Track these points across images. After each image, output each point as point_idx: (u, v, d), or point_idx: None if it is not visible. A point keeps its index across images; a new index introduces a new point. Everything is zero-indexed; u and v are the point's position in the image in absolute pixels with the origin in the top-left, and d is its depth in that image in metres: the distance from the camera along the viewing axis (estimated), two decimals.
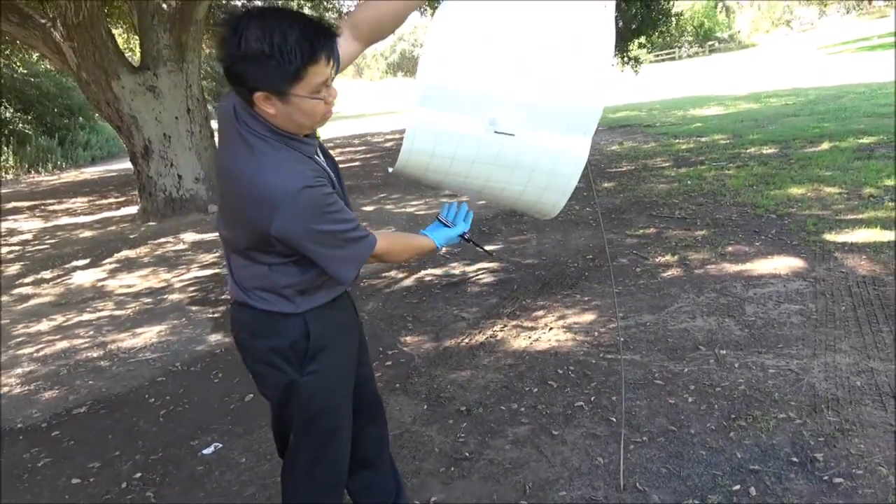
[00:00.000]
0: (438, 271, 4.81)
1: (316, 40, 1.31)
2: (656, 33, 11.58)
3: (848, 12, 47.13)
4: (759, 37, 48.93)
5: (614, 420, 2.58)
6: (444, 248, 1.79)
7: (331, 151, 1.70)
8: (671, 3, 11.37)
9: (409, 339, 3.67)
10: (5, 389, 3.60)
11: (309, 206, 1.38)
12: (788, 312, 3.38)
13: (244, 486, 2.45)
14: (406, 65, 76.94)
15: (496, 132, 1.51)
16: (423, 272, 4.82)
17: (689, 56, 45.22)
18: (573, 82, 1.55)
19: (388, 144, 15.30)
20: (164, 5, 7.81)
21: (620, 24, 11.01)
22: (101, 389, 3.47)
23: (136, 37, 9.34)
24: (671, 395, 2.73)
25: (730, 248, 4.48)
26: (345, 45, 1.55)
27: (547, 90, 1.54)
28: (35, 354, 4.09)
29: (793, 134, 8.83)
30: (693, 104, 15.15)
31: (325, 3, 13.78)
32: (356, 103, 39.90)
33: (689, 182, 6.73)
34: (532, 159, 1.59)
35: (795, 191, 5.76)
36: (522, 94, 1.53)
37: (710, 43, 47.09)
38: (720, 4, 51.00)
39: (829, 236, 4.45)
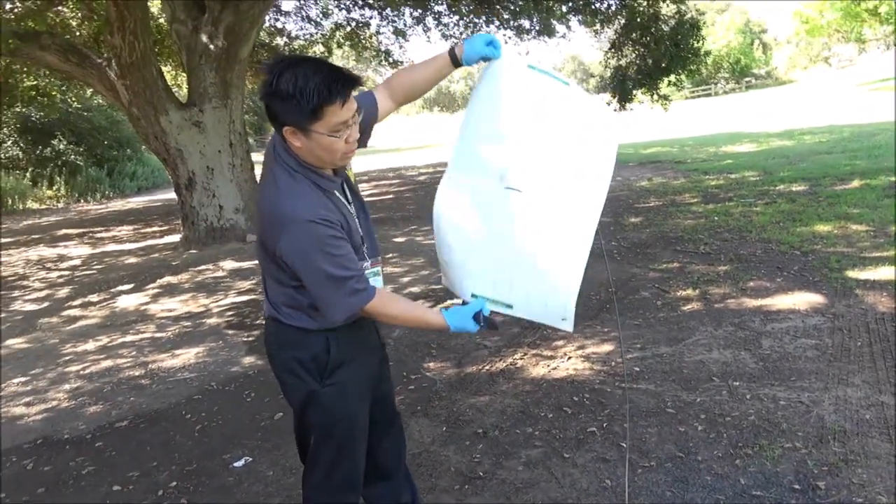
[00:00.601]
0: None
1: (334, 86, 1.51)
2: (685, 72, 11.70)
3: (888, 48, 46.57)
4: (797, 73, 48.61)
5: (625, 445, 2.68)
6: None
7: (364, 185, 1.89)
8: (701, 42, 11.52)
9: (432, 364, 3.81)
10: (54, 403, 3.85)
11: (311, 239, 1.55)
12: (804, 347, 3.44)
13: (270, 497, 2.61)
14: (442, 100, 78.14)
15: (506, 188, 1.69)
16: (448, 301, 4.96)
17: (724, 92, 45.10)
18: (581, 153, 1.77)
19: (422, 178, 15.61)
20: (211, 46, 8.26)
21: (650, 61, 11.21)
22: (141, 405, 3.68)
23: (184, 74, 9.84)
24: (681, 423, 2.82)
25: (751, 284, 4.54)
26: (382, 102, 1.83)
27: (556, 158, 1.77)
28: (82, 372, 4.34)
29: (823, 171, 8.82)
30: (726, 141, 15.16)
31: (364, 43, 14.27)
32: (392, 137, 40.64)
33: (715, 218, 6.79)
34: (540, 219, 1.74)
35: (822, 228, 5.79)
36: (532, 159, 1.75)
37: (746, 79, 46.93)
38: (757, 41, 50.93)
39: (852, 273, 4.48)
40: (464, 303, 1.83)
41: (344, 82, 1.52)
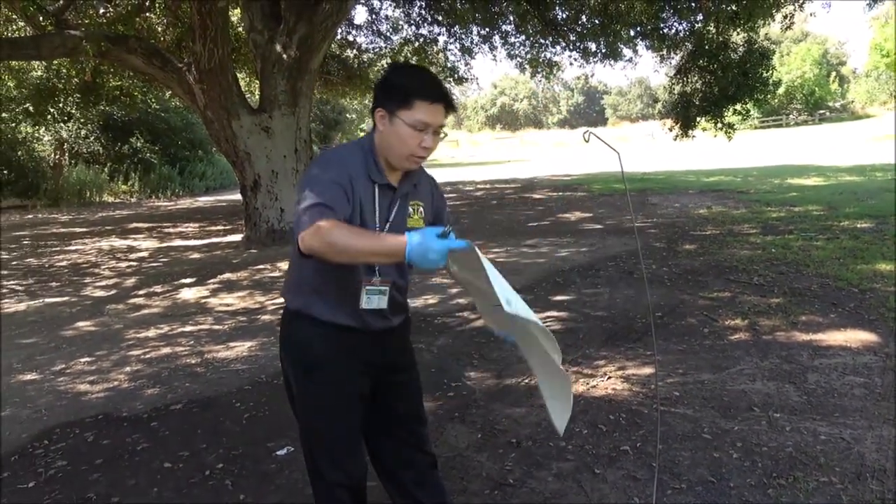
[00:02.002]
0: None
1: (433, 88, 1.71)
2: (753, 101, 11.47)
3: None
4: (875, 108, 46.72)
5: (656, 466, 2.70)
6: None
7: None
8: (771, 71, 11.29)
9: (472, 374, 3.89)
10: (115, 383, 4.09)
11: (318, 160, 1.82)
12: (852, 384, 3.38)
13: (308, 486, 2.71)
14: (505, 118, 78.40)
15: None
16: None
17: (796, 124, 43.71)
18: None
19: (478, 193, 15.75)
20: (285, 56, 8.61)
21: (716, 89, 11.04)
22: (195, 391, 3.89)
23: (257, 81, 10.26)
24: (717, 449, 2.82)
25: (803, 318, 4.46)
26: None
27: None
28: (142, 356, 4.60)
29: (892, 209, 8.52)
30: (792, 173, 14.77)
31: (431, 59, 14.56)
32: (452, 152, 41.08)
33: (773, 250, 6.66)
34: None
35: (884, 267, 5.61)
36: None
37: (820, 112, 45.38)
38: (834, 73, 49.29)
39: None
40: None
41: (443, 94, 1.72)
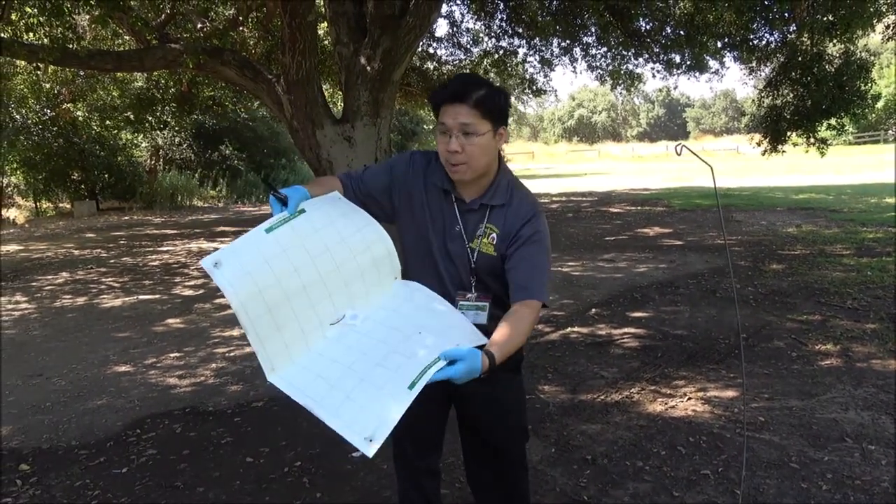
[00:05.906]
0: (585, 330, 4.96)
1: (447, 90, 1.66)
2: (849, 115, 10.85)
3: None
4: None
5: (740, 493, 2.60)
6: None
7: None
8: (870, 84, 10.66)
9: (547, 387, 3.86)
10: (202, 378, 4.29)
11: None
12: None
13: (382, 489, 2.78)
14: (582, 130, 77.46)
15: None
16: (569, 329, 5.00)
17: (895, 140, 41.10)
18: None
19: (554, 206, 15.60)
20: (368, 68, 8.82)
21: (809, 102, 10.52)
22: (276, 390, 3.97)
23: (340, 92, 10.54)
24: (805, 480, 2.69)
25: None
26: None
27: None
28: (227, 354, 4.80)
29: None
30: (891, 192, 13.90)
31: (510, 70, 14.58)
32: (528, 164, 40.92)
33: (868, 273, 6.29)
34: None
35: None
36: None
37: None
38: None
39: None
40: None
41: (452, 92, 1.64)
